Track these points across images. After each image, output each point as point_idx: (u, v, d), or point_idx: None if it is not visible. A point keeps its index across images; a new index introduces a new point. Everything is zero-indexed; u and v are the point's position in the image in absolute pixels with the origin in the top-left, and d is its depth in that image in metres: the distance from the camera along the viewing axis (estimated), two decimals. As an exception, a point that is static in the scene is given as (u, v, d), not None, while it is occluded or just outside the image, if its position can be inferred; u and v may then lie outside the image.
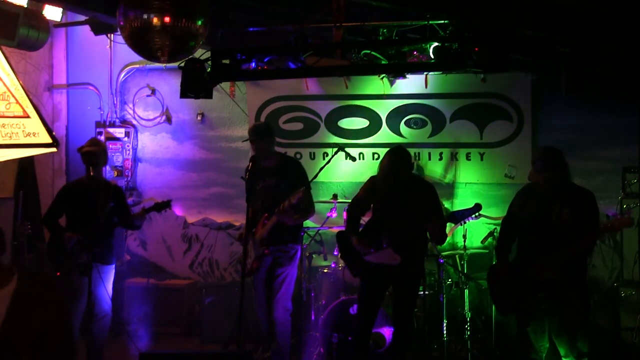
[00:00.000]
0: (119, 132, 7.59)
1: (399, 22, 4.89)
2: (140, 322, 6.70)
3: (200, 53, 5.16)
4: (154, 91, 7.65)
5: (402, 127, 6.95)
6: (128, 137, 7.59)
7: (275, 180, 5.32)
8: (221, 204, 7.52)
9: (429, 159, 6.90)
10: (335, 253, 5.90)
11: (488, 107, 6.76)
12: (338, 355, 5.56)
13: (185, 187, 7.61)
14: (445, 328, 5.70)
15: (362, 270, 4.98)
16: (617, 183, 6.19)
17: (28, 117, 6.09)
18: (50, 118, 7.68)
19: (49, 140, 6.22)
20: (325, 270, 6.09)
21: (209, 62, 4.78)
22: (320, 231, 6.28)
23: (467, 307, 5.84)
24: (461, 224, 5.79)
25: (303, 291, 6.10)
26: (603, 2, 3.77)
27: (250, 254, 5.32)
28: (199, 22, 4.40)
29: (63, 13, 6.54)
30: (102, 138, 7.41)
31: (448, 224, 5.17)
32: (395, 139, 6.89)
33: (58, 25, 6.97)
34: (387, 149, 5.13)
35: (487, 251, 6.31)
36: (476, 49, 4.19)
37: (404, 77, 6.55)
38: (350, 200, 5.37)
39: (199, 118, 7.53)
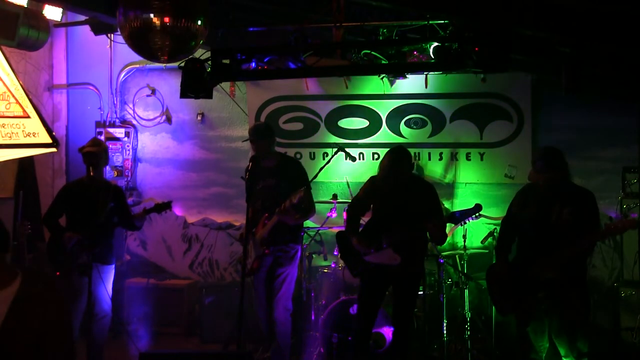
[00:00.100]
0: (119, 132, 7.59)
1: (399, 22, 4.89)
2: (140, 322, 6.70)
3: (200, 53, 5.15)
4: (154, 91, 7.65)
5: (402, 127, 6.95)
6: (128, 137, 7.59)
7: (276, 180, 5.32)
8: (221, 204, 7.52)
9: (429, 159, 6.90)
10: (335, 253, 5.90)
11: (488, 107, 6.76)
12: (338, 355, 5.56)
13: (185, 187, 7.61)
14: (445, 328, 5.70)
15: (362, 271, 4.98)
16: (617, 183, 6.19)
17: (28, 117, 6.09)
18: (50, 118, 7.68)
19: (49, 140, 6.22)
20: (325, 270, 6.08)
21: (209, 62, 4.78)
22: (320, 231, 6.28)
23: (467, 307, 5.84)
24: (461, 224, 5.79)
25: (303, 291, 6.10)
26: (603, 2, 3.77)
27: (250, 254, 5.32)
28: (199, 22, 4.40)
29: (63, 13, 6.55)
30: (102, 138, 7.40)
31: (448, 224, 5.17)
32: (395, 139, 6.89)
33: (58, 25, 6.97)
34: (387, 149, 5.13)
35: (487, 251, 6.31)
36: (476, 49, 4.18)
37: (404, 77, 6.54)
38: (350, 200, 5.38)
39: (199, 118, 7.53)
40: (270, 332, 5.43)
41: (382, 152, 5.42)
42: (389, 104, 6.98)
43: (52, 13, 6.20)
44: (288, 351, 5.42)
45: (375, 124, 7.01)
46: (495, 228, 5.92)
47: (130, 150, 7.59)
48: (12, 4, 5.56)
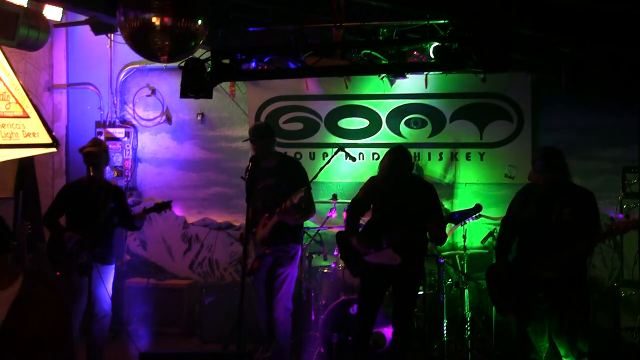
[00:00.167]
0: (119, 132, 7.59)
1: (399, 22, 4.89)
2: (140, 322, 6.70)
3: (200, 53, 5.15)
4: (154, 91, 7.65)
5: (402, 127, 6.95)
6: (128, 137, 7.59)
7: (276, 180, 5.32)
8: (221, 204, 7.52)
9: (429, 159, 6.90)
10: (335, 253, 5.90)
11: (488, 107, 6.76)
12: (338, 355, 5.56)
13: (185, 187, 7.61)
14: (445, 328, 5.70)
15: (362, 271, 4.98)
16: (617, 183, 6.19)
17: (28, 117, 6.09)
18: (50, 118, 7.68)
19: (49, 140, 6.23)
20: (325, 270, 6.08)
21: (209, 62, 4.78)
22: (320, 231, 6.28)
23: (467, 307, 5.85)
24: (461, 224, 5.80)
25: (303, 291, 6.10)
26: (603, 2, 3.77)
27: (250, 254, 5.32)
28: (199, 22, 4.40)
29: (63, 13, 6.54)
30: (102, 138, 7.41)
31: (448, 224, 5.16)
32: (395, 139, 6.89)
33: (58, 25, 6.97)
34: (387, 149, 5.13)
35: (487, 251, 6.31)
36: (476, 49, 4.18)
37: (404, 77, 6.55)
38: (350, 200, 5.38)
39: (199, 118, 7.53)
40: (270, 332, 5.43)
41: (382, 152, 5.42)
42: (389, 104, 6.98)
43: (52, 13, 6.20)
44: (288, 351, 5.42)
45: (375, 124, 7.01)
46: (495, 228, 5.92)
47: (130, 150, 7.59)
48: (12, 4, 5.56)
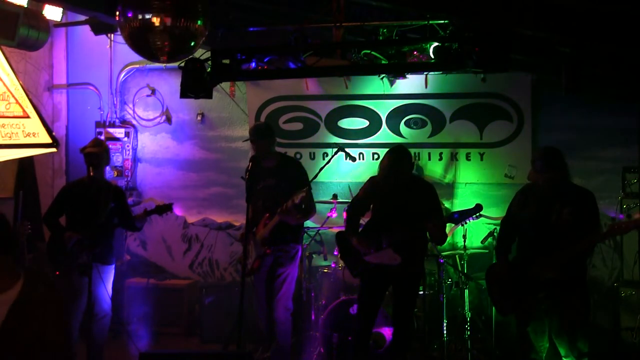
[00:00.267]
0: (119, 132, 7.59)
1: (399, 22, 4.89)
2: (140, 322, 6.70)
3: (200, 53, 5.15)
4: (154, 91, 7.65)
5: (402, 127, 6.95)
6: (128, 137, 7.59)
7: (276, 180, 5.32)
8: (221, 204, 7.52)
9: (429, 159, 6.90)
10: (335, 253, 5.90)
11: (488, 107, 6.76)
12: (338, 355, 5.56)
13: (185, 187, 7.61)
14: (445, 328, 5.70)
15: (362, 271, 4.98)
16: (617, 183, 6.18)
17: (28, 117, 6.09)
18: (50, 118, 7.68)
19: (49, 140, 6.22)
20: (325, 270, 6.08)
21: (209, 62, 4.78)
22: (320, 231, 6.28)
23: (467, 307, 5.84)
24: (461, 224, 5.79)
25: (303, 291, 6.10)
26: (603, 2, 3.77)
27: (251, 253, 5.32)
28: (199, 22, 4.39)
29: (63, 13, 6.54)
30: (102, 138, 7.41)
31: (448, 224, 5.16)
32: (395, 139, 6.89)
33: (58, 25, 6.97)
34: (387, 149, 5.12)
35: (487, 251, 6.31)
36: (476, 49, 4.18)
37: (404, 77, 6.55)
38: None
39: (199, 118, 7.53)
40: (271, 332, 5.44)
41: (382, 152, 5.41)
42: (389, 104, 6.98)
43: (52, 13, 6.20)
44: (288, 351, 5.42)
45: (375, 124, 7.01)
46: (495, 228, 5.91)
47: (130, 150, 7.59)
48: (12, 4, 5.56)
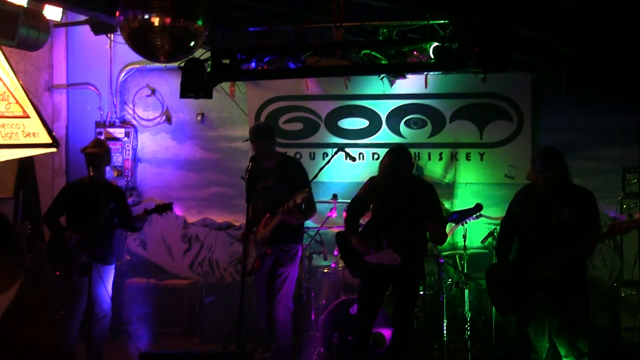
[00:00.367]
0: (118, 132, 7.59)
1: (399, 22, 4.89)
2: (140, 322, 6.70)
3: (200, 53, 5.15)
4: (154, 91, 7.65)
5: (402, 127, 6.95)
6: (128, 137, 7.59)
7: (276, 180, 5.32)
8: (221, 204, 7.52)
9: (429, 159, 6.90)
10: (335, 253, 5.89)
11: (488, 107, 6.76)
12: (338, 355, 5.56)
13: (185, 187, 7.61)
14: (445, 328, 5.70)
15: (362, 271, 4.98)
16: (617, 183, 6.18)
17: (28, 117, 6.09)
18: (50, 118, 7.68)
19: (49, 140, 6.22)
20: (325, 270, 6.08)
21: (209, 62, 4.77)
22: (320, 231, 6.28)
23: (467, 307, 5.84)
24: (461, 224, 5.79)
25: (303, 291, 6.10)
26: (603, 2, 3.77)
27: (251, 253, 5.32)
28: (199, 22, 4.39)
29: (63, 13, 6.54)
30: (102, 138, 7.41)
31: (448, 224, 5.16)
32: (395, 139, 6.88)
33: (58, 25, 6.97)
34: (387, 149, 5.12)
35: (487, 251, 6.31)
36: (476, 49, 4.18)
37: (404, 77, 6.55)
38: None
39: (199, 118, 7.53)
40: (271, 332, 5.43)
41: (382, 152, 5.41)
42: (389, 104, 6.97)
43: (52, 13, 6.20)
44: (288, 351, 5.42)
45: (375, 124, 7.01)
46: (495, 228, 5.91)
47: (130, 151, 7.59)
48: (12, 4, 5.56)
